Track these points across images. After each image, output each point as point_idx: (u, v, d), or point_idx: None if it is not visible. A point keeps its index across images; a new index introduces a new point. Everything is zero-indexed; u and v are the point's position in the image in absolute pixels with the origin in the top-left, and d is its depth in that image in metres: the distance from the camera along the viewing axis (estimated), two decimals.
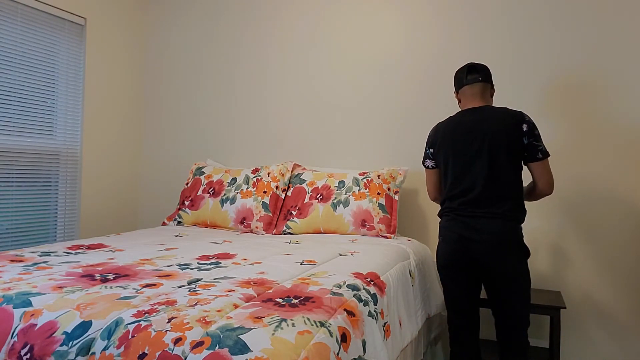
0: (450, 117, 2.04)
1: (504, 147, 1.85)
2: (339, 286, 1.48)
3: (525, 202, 2.58)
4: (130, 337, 1.09)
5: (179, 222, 2.89)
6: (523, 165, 1.93)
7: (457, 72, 2.09)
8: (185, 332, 1.08)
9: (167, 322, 1.12)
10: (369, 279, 1.63)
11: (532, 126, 1.88)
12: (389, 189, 2.61)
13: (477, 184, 1.88)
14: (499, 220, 1.84)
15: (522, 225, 1.91)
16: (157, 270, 1.63)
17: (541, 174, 1.92)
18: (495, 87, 2.65)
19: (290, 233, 2.62)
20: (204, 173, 3.01)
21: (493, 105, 2.17)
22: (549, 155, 1.90)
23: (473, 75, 2.01)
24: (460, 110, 2.07)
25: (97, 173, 3.23)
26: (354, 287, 1.50)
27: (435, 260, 2.03)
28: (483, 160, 1.87)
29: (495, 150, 1.86)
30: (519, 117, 1.88)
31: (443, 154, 2.00)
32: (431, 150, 2.08)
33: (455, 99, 2.11)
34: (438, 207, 2.78)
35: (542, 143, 1.89)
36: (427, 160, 2.12)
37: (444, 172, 2.02)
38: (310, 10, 3.13)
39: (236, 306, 1.25)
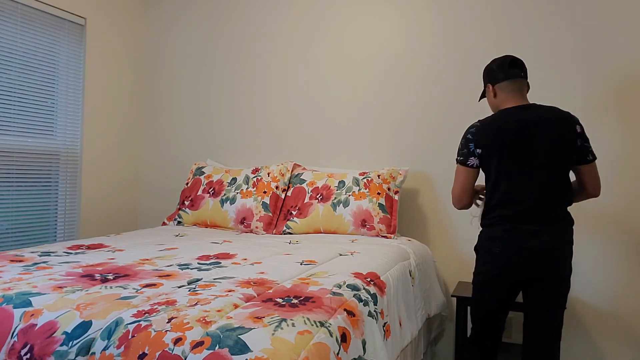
0: (493, 116, 1.85)
1: (560, 151, 1.75)
2: (339, 286, 1.48)
3: None
4: (130, 337, 1.10)
5: (179, 222, 2.89)
6: None
7: (493, 63, 1.91)
8: (185, 332, 1.08)
9: (167, 322, 1.12)
10: (369, 279, 1.63)
11: (582, 128, 1.80)
12: (389, 189, 2.61)
13: (536, 190, 1.74)
14: (559, 224, 1.75)
15: None
16: (157, 270, 1.63)
17: (591, 176, 1.83)
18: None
19: (290, 233, 2.62)
20: (204, 173, 3.01)
21: None
22: (596, 158, 1.83)
23: (515, 70, 1.85)
24: (504, 108, 1.86)
25: (97, 173, 3.23)
26: (354, 287, 1.50)
27: (481, 270, 1.85)
28: (541, 165, 1.75)
29: (552, 154, 1.74)
30: (572, 119, 1.78)
31: (495, 158, 1.79)
32: (479, 150, 1.83)
33: (490, 91, 1.92)
34: (437, 208, 2.78)
35: (590, 145, 1.81)
36: (472, 158, 1.85)
37: (495, 178, 1.81)
38: (311, 10, 3.13)
39: (236, 306, 1.25)
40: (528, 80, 1.89)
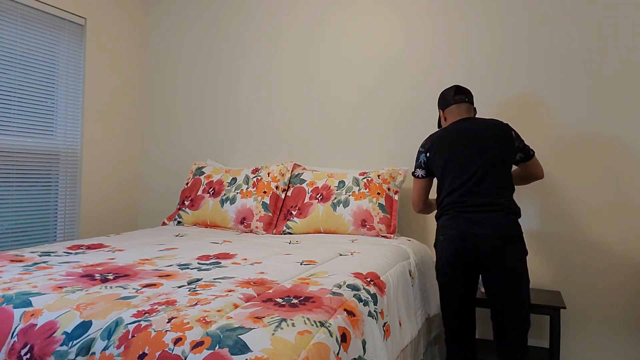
0: (442, 128, 2.14)
1: (498, 147, 1.97)
2: (339, 286, 1.48)
3: (527, 204, 2.59)
4: (130, 337, 1.09)
5: (179, 222, 2.89)
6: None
7: (443, 92, 2.21)
8: (185, 332, 1.08)
9: (167, 322, 1.12)
10: (369, 279, 1.63)
11: (516, 131, 2.10)
12: (389, 189, 2.61)
13: (476, 175, 1.93)
14: (501, 213, 1.88)
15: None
16: (157, 270, 1.63)
17: (536, 167, 2.19)
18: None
19: (290, 233, 2.62)
20: (204, 173, 3.01)
21: None
22: (535, 152, 2.17)
23: (460, 96, 2.14)
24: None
25: (97, 173, 3.23)
26: (354, 287, 1.50)
27: (436, 259, 2.03)
28: (480, 156, 1.95)
29: (491, 147, 1.97)
30: (508, 126, 2.05)
31: (440, 156, 2.04)
32: (427, 154, 2.12)
33: (441, 117, 2.22)
34: None
35: (526, 143, 2.15)
36: (418, 169, 2.19)
37: (441, 173, 2.05)
38: (311, 10, 3.13)
39: (236, 306, 1.25)
40: (475, 106, 2.23)
